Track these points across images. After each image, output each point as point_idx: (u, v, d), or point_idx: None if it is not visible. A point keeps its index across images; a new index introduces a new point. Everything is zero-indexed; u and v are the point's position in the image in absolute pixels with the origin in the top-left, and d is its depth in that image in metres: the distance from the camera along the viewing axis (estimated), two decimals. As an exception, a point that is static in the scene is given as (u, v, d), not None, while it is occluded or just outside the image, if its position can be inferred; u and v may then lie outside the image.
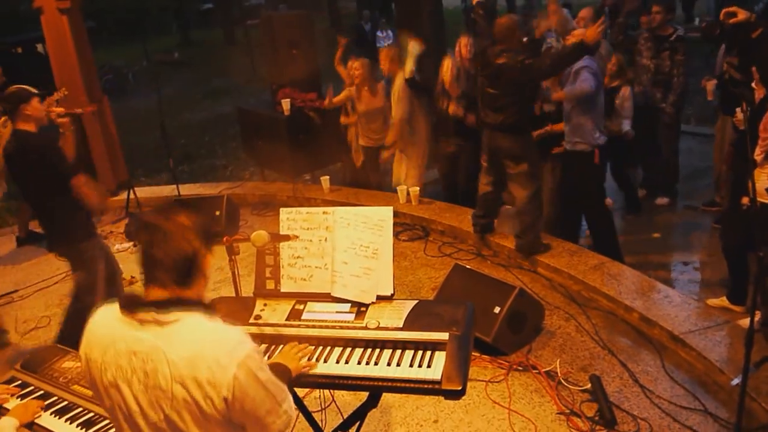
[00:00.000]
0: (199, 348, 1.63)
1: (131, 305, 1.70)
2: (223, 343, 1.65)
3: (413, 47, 5.50)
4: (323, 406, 3.10)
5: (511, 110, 4.69)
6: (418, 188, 6.18)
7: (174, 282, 1.69)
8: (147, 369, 1.65)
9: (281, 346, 2.47)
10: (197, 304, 1.72)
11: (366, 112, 6.15)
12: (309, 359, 2.38)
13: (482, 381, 3.75)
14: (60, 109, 4.22)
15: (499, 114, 4.74)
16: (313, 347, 2.42)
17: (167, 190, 7.39)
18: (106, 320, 1.77)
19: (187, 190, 7.17)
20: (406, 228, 5.90)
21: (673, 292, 4.38)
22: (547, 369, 3.79)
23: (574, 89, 4.80)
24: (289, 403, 1.81)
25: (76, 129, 7.05)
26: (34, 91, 3.98)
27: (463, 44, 5.79)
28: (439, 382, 2.23)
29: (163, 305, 1.67)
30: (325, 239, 2.61)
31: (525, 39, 5.15)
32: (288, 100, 6.86)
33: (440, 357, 2.32)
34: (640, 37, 6.03)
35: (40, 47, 17.05)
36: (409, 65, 5.53)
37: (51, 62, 7.19)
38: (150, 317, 1.66)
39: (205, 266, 1.75)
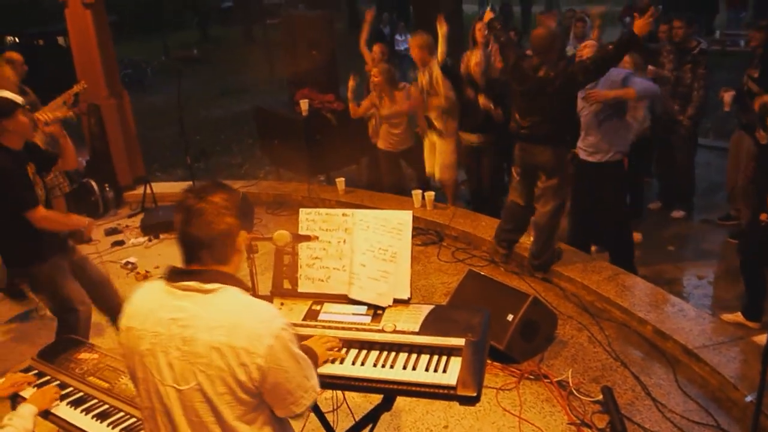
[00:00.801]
0: (237, 317, 1.71)
1: (175, 274, 1.78)
2: (260, 314, 1.74)
3: (441, 28, 5.52)
4: (335, 407, 3.11)
5: (551, 122, 4.54)
6: (433, 193, 6.18)
7: (212, 258, 1.78)
8: (185, 335, 1.71)
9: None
10: (235, 279, 1.81)
11: (388, 117, 6.15)
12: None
13: (493, 388, 3.74)
14: (47, 116, 3.89)
15: (538, 126, 4.58)
16: (339, 340, 2.44)
17: (183, 186, 7.42)
18: (148, 293, 1.85)
19: (203, 186, 7.20)
20: (420, 232, 5.90)
21: (687, 305, 4.36)
22: (559, 379, 3.78)
23: (647, 87, 4.66)
24: (316, 380, 1.87)
25: (95, 123, 7.18)
26: (20, 101, 3.64)
27: (474, 62, 5.75)
28: (454, 388, 2.24)
29: (205, 274, 1.75)
30: (344, 241, 2.62)
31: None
32: (306, 100, 6.89)
33: (456, 362, 2.33)
34: (662, 49, 6.01)
35: (61, 40, 17.24)
36: (442, 47, 5.53)
37: (73, 56, 7.26)
38: (194, 285, 1.74)
39: (240, 243, 1.83)
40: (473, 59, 5.71)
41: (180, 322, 1.72)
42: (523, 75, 4.59)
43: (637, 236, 5.57)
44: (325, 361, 2.36)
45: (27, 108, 3.73)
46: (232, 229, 1.78)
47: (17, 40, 19.47)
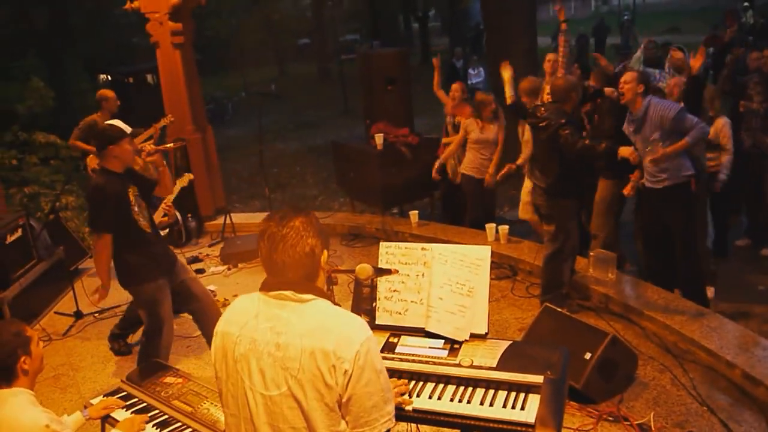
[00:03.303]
0: (328, 322, 1.81)
1: (272, 284, 1.88)
2: (350, 322, 1.83)
3: (505, 72, 5.62)
4: (409, 441, 3.11)
5: (545, 170, 4.78)
6: (507, 227, 6.13)
7: (302, 277, 1.87)
8: (279, 341, 1.80)
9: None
10: (325, 293, 1.91)
11: (477, 141, 6.21)
12: (403, 395, 2.41)
13: (570, 428, 3.63)
14: (150, 147, 4.23)
15: (537, 170, 4.89)
16: (407, 382, 2.46)
17: (261, 217, 7.64)
18: (247, 301, 1.95)
19: (280, 217, 7.40)
20: (493, 266, 5.79)
21: (780, 349, 4.12)
22: (640, 422, 3.63)
23: (694, 137, 4.57)
24: (393, 407, 1.88)
25: (181, 157, 7.54)
26: (127, 130, 3.97)
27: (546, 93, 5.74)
28: (532, 426, 2.21)
29: (300, 286, 1.85)
30: (422, 275, 2.65)
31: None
32: (381, 134, 7.03)
33: (534, 400, 2.30)
34: (750, 82, 5.82)
35: (149, 77, 18.25)
36: (508, 91, 5.63)
37: (162, 93, 7.68)
38: (289, 294, 1.84)
39: (323, 261, 1.93)
40: (545, 90, 5.69)
41: (275, 329, 1.82)
42: (533, 115, 4.87)
43: (710, 290, 5.25)
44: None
45: (131, 137, 4.04)
46: (315, 249, 1.87)
47: (109, 77, 20.75)
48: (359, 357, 1.75)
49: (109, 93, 6.66)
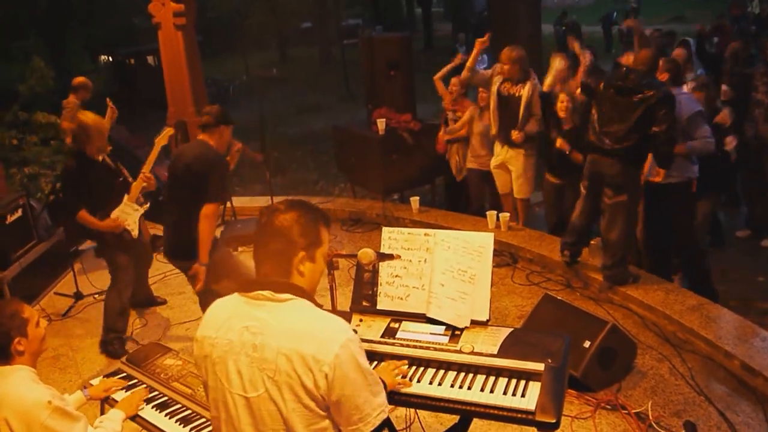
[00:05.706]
0: (306, 325, 1.76)
1: (250, 285, 1.84)
2: (328, 324, 1.78)
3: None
4: (408, 424, 3.12)
5: (624, 138, 4.50)
6: (508, 214, 6.11)
7: (277, 274, 1.83)
8: (256, 342, 1.76)
9: (375, 362, 2.51)
10: (307, 294, 1.85)
11: (481, 133, 6.17)
12: (404, 377, 2.42)
13: (568, 416, 3.64)
14: (239, 145, 4.75)
15: (611, 139, 4.57)
16: (407, 366, 2.46)
17: (262, 201, 7.65)
18: (224, 303, 1.92)
19: (281, 202, 7.40)
20: (493, 254, 5.78)
21: (779, 341, 4.13)
22: (638, 410, 3.65)
23: (696, 148, 4.56)
24: (384, 398, 1.86)
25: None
26: (233, 122, 4.36)
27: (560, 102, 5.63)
28: (533, 413, 2.21)
29: (279, 286, 1.80)
30: (425, 260, 2.64)
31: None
32: (383, 120, 6.99)
33: (534, 387, 2.30)
34: (756, 72, 5.79)
35: (150, 59, 18.17)
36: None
37: (164, 74, 7.64)
38: (266, 294, 1.79)
39: (318, 258, 1.89)
40: (560, 99, 5.57)
41: (252, 329, 1.77)
42: (614, 77, 4.62)
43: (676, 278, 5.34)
44: (392, 391, 2.35)
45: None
46: (290, 246, 1.85)
47: (110, 59, 20.65)
48: (340, 361, 1.70)
49: (89, 83, 6.72)
